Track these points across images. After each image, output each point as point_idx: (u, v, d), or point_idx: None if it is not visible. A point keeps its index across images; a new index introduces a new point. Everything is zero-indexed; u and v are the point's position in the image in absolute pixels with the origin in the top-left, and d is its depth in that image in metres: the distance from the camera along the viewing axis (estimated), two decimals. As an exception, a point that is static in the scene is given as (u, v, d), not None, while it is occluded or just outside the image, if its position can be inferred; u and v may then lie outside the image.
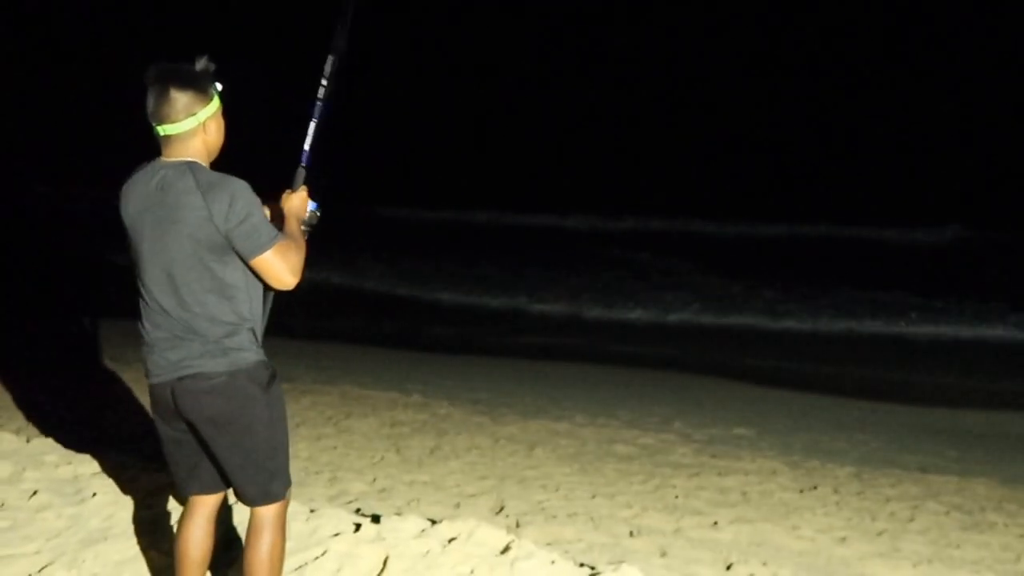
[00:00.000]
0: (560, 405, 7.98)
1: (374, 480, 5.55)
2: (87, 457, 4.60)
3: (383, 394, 7.94)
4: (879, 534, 5.10)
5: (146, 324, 2.73)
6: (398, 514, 4.00)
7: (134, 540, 3.64)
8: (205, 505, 2.90)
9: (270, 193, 2.79)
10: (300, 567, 3.43)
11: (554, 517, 5.00)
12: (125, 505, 3.93)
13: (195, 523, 2.89)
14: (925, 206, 22.99)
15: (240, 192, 2.64)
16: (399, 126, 31.72)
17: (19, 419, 6.23)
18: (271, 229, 2.68)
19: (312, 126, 3.03)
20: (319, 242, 3.10)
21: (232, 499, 3.10)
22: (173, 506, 3.82)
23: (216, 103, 2.74)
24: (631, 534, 4.80)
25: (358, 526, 3.69)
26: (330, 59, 3.07)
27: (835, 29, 38.11)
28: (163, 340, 2.70)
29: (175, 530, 3.05)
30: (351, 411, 7.26)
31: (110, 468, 4.47)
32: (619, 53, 39.38)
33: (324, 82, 3.05)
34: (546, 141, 31.91)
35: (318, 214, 2.97)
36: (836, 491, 5.84)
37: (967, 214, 22.31)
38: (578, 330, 13.30)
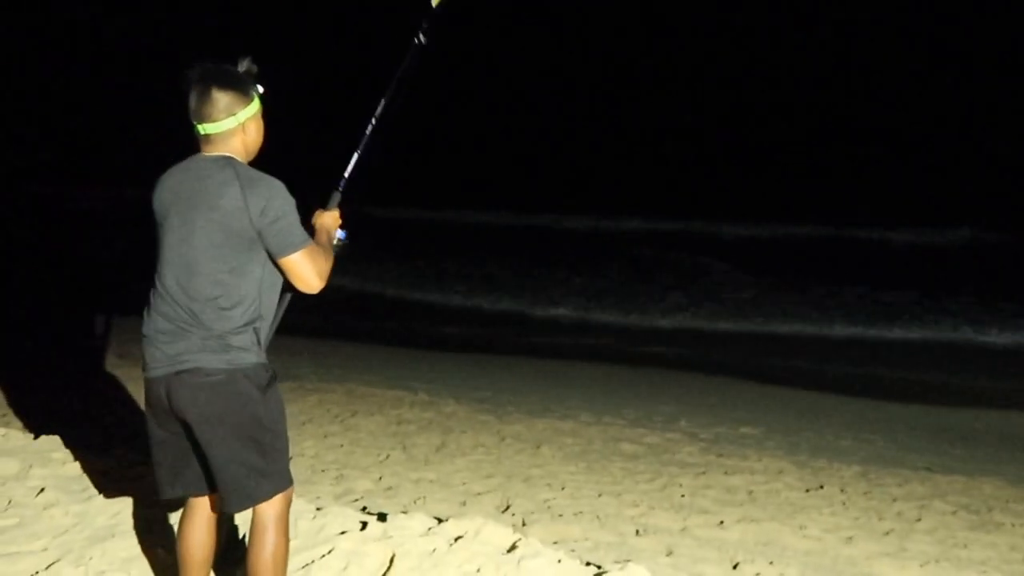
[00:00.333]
0: (566, 404, 7.98)
1: (380, 478, 5.56)
2: (94, 455, 4.61)
3: (389, 392, 7.94)
4: (886, 534, 5.09)
5: (152, 314, 2.73)
6: (404, 512, 4.00)
7: (141, 537, 3.64)
8: (204, 506, 2.89)
9: (300, 206, 2.81)
10: (306, 565, 3.43)
11: (560, 515, 4.99)
12: (132, 503, 3.93)
13: (195, 524, 2.89)
14: (938, 208, 22.93)
15: (278, 192, 2.69)
16: (406, 126, 31.65)
17: (26, 416, 6.24)
18: (304, 233, 2.74)
19: (355, 157, 3.16)
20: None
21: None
22: (180, 503, 3.81)
23: (256, 105, 2.79)
24: (637, 533, 4.80)
25: (364, 524, 3.69)
26: (382, 103, 3.21)
27: (849, 31, 38.04)
28: (164, 333, 2.70)
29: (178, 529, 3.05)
30: (357, 409, 7.26)
31: (117, 465, 4.48)
32: (628, 52, 39.39)
33: (373, 121, 3.20)
34: (551, 142, 31.91)
35: (347, 242, 3.03)
36: (843, 490, 5.82)
37: (980, 216, 22.25)
38: (584, 330, 13.30)
